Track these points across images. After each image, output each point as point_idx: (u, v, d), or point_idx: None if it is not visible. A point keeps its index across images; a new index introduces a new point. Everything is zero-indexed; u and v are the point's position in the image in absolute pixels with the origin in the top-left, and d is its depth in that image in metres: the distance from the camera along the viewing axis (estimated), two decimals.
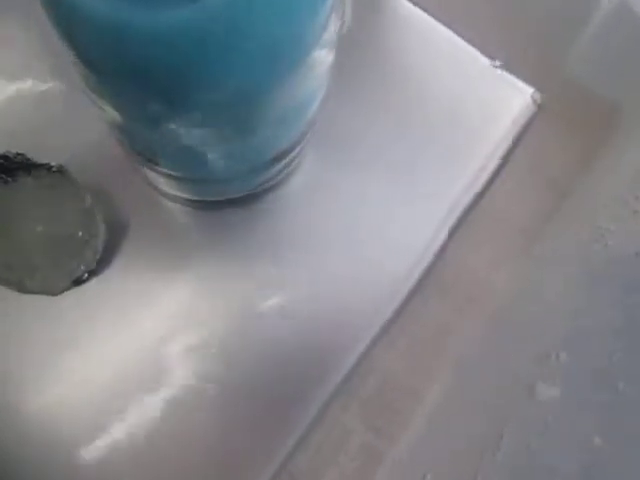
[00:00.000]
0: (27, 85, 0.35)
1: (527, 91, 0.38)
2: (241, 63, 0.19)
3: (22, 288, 0.30)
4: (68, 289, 0.31)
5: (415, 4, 0.39)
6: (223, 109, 0.21)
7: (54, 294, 0.31)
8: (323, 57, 0.23)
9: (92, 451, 0.31)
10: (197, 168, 0.28)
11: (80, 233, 0.30)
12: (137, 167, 0.32)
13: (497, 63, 0.38)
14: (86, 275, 0.31)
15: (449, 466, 0.30)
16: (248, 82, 0.20)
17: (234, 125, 0.23)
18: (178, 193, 0.33)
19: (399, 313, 0.34)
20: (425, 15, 0.39)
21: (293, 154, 0.31)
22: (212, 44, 0.18)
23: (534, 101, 0.38)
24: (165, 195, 0.34)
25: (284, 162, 0.31)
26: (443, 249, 0.35)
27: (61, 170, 0.30)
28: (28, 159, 0.29)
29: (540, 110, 0.38)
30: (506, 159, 0.37)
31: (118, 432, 0.31)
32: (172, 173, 0.29)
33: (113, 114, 0.24)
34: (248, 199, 0.34)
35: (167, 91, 0.20)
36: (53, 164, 0.30)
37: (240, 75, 0.20)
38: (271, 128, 0.25)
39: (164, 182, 0.32)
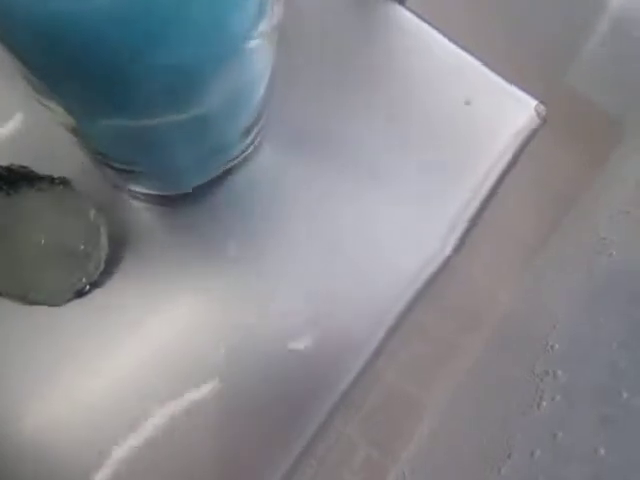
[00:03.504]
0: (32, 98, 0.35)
1: (531, 104, 0.38)
2: (169, 47, 0.19)
3: (26, 300, 0.30)
4: (70, 300, 0.31)
5: (419, 17, 0.39)
6: (162, 91, 0.22)
7: (57, 305, 0.31)
8: (259, 47, 0.24)
9: (92, 463, 0.30)
10: (157, 158, 0.29)
11: (83, 246, 0.30)
12: (101, 169, 0.32)
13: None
14: (87, 287, 0.31)
15: None
16: (179, 66, 0.21)
17: (176, 107, 0.23)
18: (143, 189, 0.33)
19: (399, 326, 0.34)
20: (429, 28, 0.39)
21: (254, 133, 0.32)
22: (138, 29, 0.18)
23: (538, 113, 0.38)
24: (131, 194, 0.34)
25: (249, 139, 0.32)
26: (445, 261, 0.35)
27: (64, 182, 0.30)
28: (31, 171, 0.30)
29: (543, 122, 0.38)
30: (509, 171, 0.37)
31: (118, 443, 0.31)
32: (132, 168, 0.30)
33: (65, 116, 0.24)
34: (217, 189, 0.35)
35: (105, 80, 0.20)
36: (56, 176, 0.30)
37: (169, 59, 0.20)
38: (218, 109, 0.26)
39: (127, 179, 0.32)
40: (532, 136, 0.38)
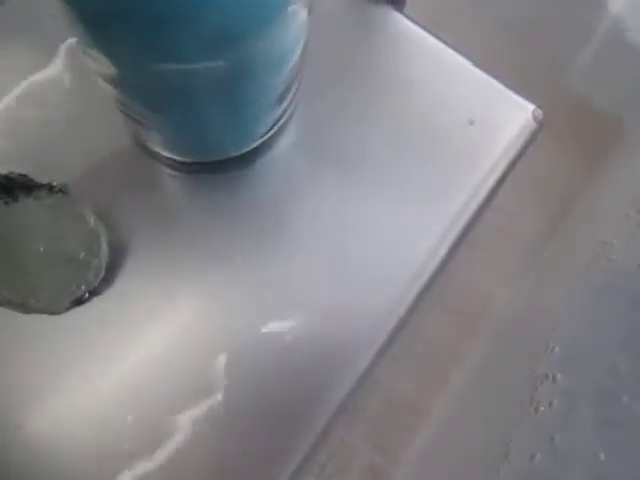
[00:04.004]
0: (31, 106, 0.35)
1: (528, 108, 0.38)
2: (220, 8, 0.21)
3: (26, 308, 0.30)
4: (69, 308, 0.31)
5: (416, 24, 0.39)
6: (207, 41, 0.23)
7: (57, 313, 0.31)
8: (297, 10, 0.25)
9: (93, 468, 0.30)
10: (191, 113, 0.29)
11: (83, 253, 0.30)
12: (134, 133, 0.33)
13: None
14: (87, 295, 0.31)
15: None
16: (231, 25, 0.22)
17: (220, 69, 0.25)
18: (169, 154, 0.34)
19: (400, 330, 0.34)
20: (426, 33, 0.39)
21: (283, 106, 0.33)
22: None
23: (535, 117, 0.38)
24: (158, 159, 0.35)
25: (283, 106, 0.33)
26: (444, 265, 0.35)
27: (63, 190, 0.30)
28: (30, 179, 0.30)
29: (541, 126, 0.38)
30: (508, 175, 0.37)
31: (119, 449, 0.31)
32: (163, 127, 0.31)
33: (108, 66, 0.25)
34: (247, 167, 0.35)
35: (156, 24, 0.21)
36: (55, 184, 0.30)
37: (221, 18, 0.22)
38: (258, 73, 0.27)
39: (157, 141, 0.33)
40: (530, 140, 0.38)
